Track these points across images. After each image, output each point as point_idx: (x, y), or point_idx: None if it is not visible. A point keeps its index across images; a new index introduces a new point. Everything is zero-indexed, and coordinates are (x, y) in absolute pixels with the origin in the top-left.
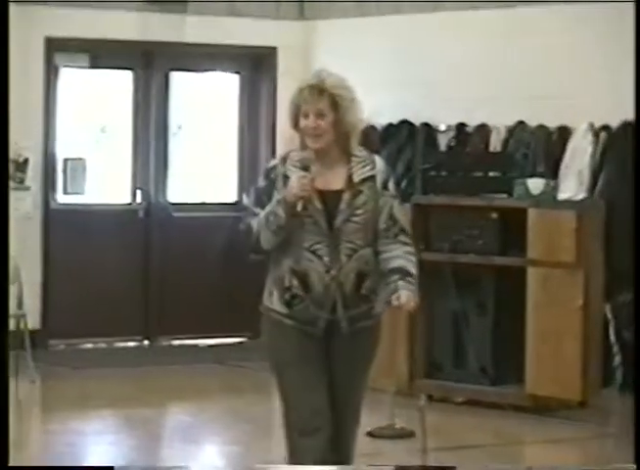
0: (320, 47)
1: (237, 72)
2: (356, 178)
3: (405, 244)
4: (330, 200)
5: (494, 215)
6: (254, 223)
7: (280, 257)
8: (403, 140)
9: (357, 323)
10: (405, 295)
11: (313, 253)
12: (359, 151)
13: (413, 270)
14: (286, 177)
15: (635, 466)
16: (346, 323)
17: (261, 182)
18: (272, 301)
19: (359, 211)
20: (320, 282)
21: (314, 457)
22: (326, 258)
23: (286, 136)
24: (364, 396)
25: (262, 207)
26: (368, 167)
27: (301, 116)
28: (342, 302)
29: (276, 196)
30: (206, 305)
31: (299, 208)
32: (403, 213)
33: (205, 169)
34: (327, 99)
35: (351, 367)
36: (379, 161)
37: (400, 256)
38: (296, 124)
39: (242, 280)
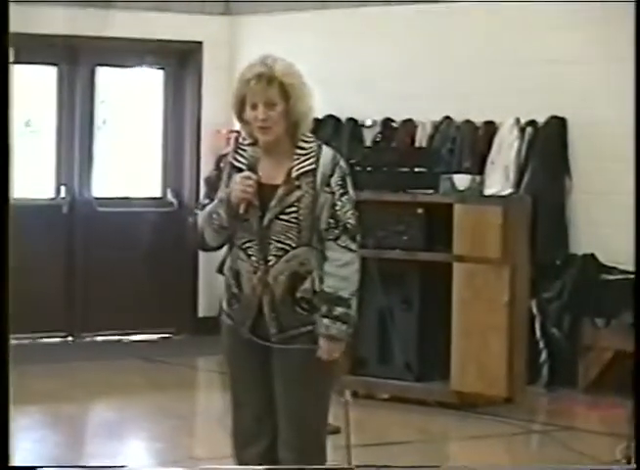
0: (246, 42)
1: (161, 68)
2: (294, 173)
3: (345, 249)
4: (266, 195)
5: (420, 211)
6: (199, 219)
7: (226, 253)
8: (328, 135)
9: (294, 329)
10: (323, 347)
11: (245, 251)
12: (307, 142)
13: (344, 293)
14: (233, 168)
15: (635, 466)
16: (276, 328)
17: (212, 171)
18: (223, 298)
19: (291, 209)
20: (248, 282)
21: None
22: (254, 258)
23: (210, 131)
24: (320, 409)
25: (211, 199)
26: (310, 161)
27: (248, 107)
28: (270, 305)
29: (222, 188)
30: (131, 301)
31: (242, 210)
32: (352, 212)
33: (129, 164)
34: (277, 88)
35: (290, 376)
36: (326, 154)
37: (332, 273)
38: (240, 116)
39: (166, 276)
